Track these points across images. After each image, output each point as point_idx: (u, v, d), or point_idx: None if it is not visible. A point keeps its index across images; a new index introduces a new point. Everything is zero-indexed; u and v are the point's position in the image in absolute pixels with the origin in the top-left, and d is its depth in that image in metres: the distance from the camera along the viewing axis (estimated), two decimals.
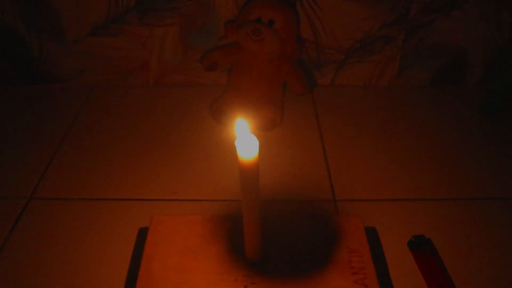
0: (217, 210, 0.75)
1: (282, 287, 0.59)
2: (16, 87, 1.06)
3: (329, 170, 0.83)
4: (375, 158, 0.86)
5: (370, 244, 0.65)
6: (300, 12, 0.93)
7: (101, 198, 0.78)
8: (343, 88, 1.04)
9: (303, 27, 0.95)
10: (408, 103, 1.00)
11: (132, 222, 0.73)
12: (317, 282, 0.59)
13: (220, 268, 0.61)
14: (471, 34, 0.97)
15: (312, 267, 0.61)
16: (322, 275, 0.60)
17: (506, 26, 0.95)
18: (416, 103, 1.00)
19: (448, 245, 0.69)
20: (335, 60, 1.01)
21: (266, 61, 0.89)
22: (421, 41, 0.98)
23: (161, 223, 0.67)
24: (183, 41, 0.98)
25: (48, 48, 1.00)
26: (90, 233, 0.73)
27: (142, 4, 0.93)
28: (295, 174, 0.82)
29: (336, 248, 0.63)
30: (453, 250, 0.69)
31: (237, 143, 0.46)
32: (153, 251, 0.63)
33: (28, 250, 0.70)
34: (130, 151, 0.88)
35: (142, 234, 0.71)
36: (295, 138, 0.91)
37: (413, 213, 0.75)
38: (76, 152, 0.88)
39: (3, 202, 0.78)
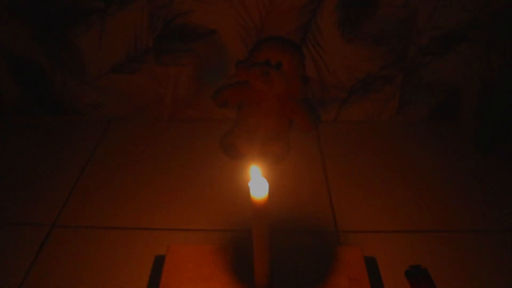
0: (228, 239, 0.81)
1: None
2: (39, 118, 1.13)
3: (332, 202, 0.88)
4: (375, 191, 0.91)
5: (370, 273, 0.70)
6: (306, 54, 1.00)
7: (119, 227, 0.84)
8: (346, 124, 1.10)
9: (308, 67, 1.02)
10: (407, 138, 1.06)
11: (148, 250, 0.79)
12: None
13: None
14: (464, 73, 1.03)
15: None
16: None
17: (495, 65, 1.02)
18: (415, 138, 1.06)
19: (443, 275, 0.74)
20: (338, 98, 1.07)
21: (273, 99, 0.96)
22: (419, 80, 1.04)
23: (177, 252, 0.73)
24: (196, 79, 1.05)
25: (70, 83, 1.07)
26: (109, 259, 0.78)
27: (159, 45, 1.00)
28: (299, 206, 0.88)
29: (337, 276, 0.68)
30: (448, 280, 0.73)
31: (250, 185, 0.52)
32: (170, 278, 0.69)
33: (51, 275, 0.75)
34: (145, 181, 0.94)
35: (158, 262, 0.76)
36: (300, 171, 0.96)
37: (410, 244, 0.79)
38: (95, 182, 0.94)
39: (27, 229, 0.83)
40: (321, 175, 0.95)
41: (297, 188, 0.92)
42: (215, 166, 0.98)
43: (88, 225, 0.85)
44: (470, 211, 0.86)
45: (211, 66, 1.03)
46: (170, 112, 1.12)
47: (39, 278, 0.75)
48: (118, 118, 1.12)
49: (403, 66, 1.02)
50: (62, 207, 0.88)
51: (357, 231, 0.82)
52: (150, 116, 1.12)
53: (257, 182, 0.52)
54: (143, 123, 1.12)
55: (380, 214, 0.86)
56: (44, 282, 0.74)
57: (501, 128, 1.00)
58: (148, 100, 1.10)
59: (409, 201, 0.89)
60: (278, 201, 0.87)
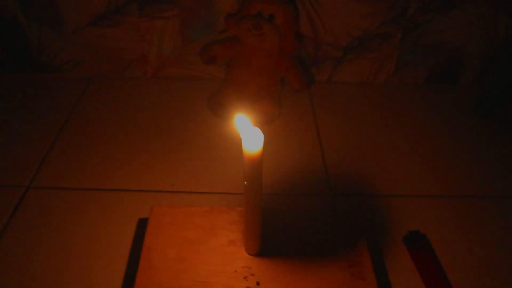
0: (214, 202, 0.76)
1: (281, 279, 0.60)
2: (14, 76, 1.05)
3: (325, 164, 0.84)
4: (370, 153, 0.87)
5: (367, 239, 0.66)
6: (300, 8, 0.94)
7: (99, 189, 0.79)
8: (340, 85, 1.05)
9: (302, 23, 0.96)
10: (404, 101, 1.01)
11: (131, 212, 0.74)
12: (314, 274, 0.60)
13: (219, 260, 0.62)
14: (467, 33, 0.98)
15: (310, 260, 0.62)
16: (320, 267, 0.61)
17: (502, 26, 0.97)
18: (412, 101, 1.01)
19: (442, 240, 0.70)
20: (333, 56, 1.01)
21: (265, 56, 0.90)
22: (418, 40, 0.99)
23: (161, 214, 0.68)
24: (183, 34, 0.98)
25: (47, 38, 1.00)
26: (89, 222, 0.73)
27: None
28: (292, 169, 0.83)
29: (333, 241, 0.65)
30: (447, 245, 0.70)
31: (242, 137, 0.46)
32: (153, 242, 0.64)
33: (27, 238, 0.70)
34: (128, 141, 0.88)
35: (141, 225, 0.71)
36: (292, 132, 0.91)
37: (409, 209, 0.76)
38: (74, 142, 0.88)
39: (1, 190, 0.78)
40: (314, 136, 0.90)
41: (289, 149, 0.87)
42: (202, 126, 0.92)
43: (67, 186, 0.79)
44: (469, 176, 0.83)
45: (198, 19, 0.96)
46: (155, 70, 1.05)
47: (13, 242, 0.70)
48: (99, 76, 1.06)
49: (403, 23, 0.96)
50: (38, 167, 0.83)
51: (352, 194, 0.78)
52: (133, 73, 1.05)
53: (250, 133, 0.47)
54: (125, 80, 1.05)
55: (376, 178, 0.82)
56: (18, 245, 0.69)
57: (502, 93, 0.96)
58: (131, 56, 1.03)
59: (406, 165, 0.85)
60: (268, 163, 0.82)
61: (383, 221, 0.73)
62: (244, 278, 0.60)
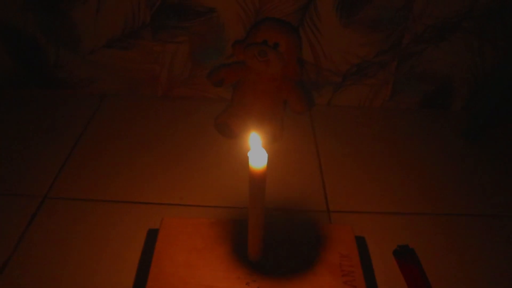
0: (219, 215, 0.82)
1: (280, 285, 0.65)
2: (33, 92, 1.12)
3: (324, 183, 0.90)
4: (366, 173, 0.93)
5: (359, 251, 0.71)
6: (303, 37, 1.01)
7: (112, 200, 0.84)
8: (339, 108, 1.12)
9: (304, 50, 1.03)
10: (398, 125, 1.08)
11: (141, 223, 0.79)
12: (310, 281, 0.66)
13: (224, 266, 0.67)
14: (457, 63, 1.05)
15: (307, 268, 0.68)
16: (316, 275, 0.66)
17: (488, 57, 1.04)
18: (405, 125, 1.08)
19: (429, 255, 0.76)
20: (332, 82, 1.08)
21: (269, 80, 0.96)
22: (412, 68, 1.06)
23: (171, 224, 0.73)
24: (193, 58, 1.05)
25: (64, 57, 1.06)
26: (101, 232, 0.78)
27: (156, 22, 1.00)
28: (292, 186, 0.89)
29: (328, 252, 0.70)
30: (434, 259, 0.75)
31: (249, 154, 0.53)
32: (163, 249, 0.70)
33: (42, 245, 0.75)
34: (139, 156, 0.94)
35: (151, 235, 0.76)
36: (293, 152, 0.97)
37: (399, 225, 0.82)
38: (88, 155, 0.94)
39: (19, 200, 0.83)
40: (314, 157, 0.96)
41: (290, 168, 0.93)
42: (209, 144, 0.98)
43: (81, 197, 0.85)
44: (456, 195, 0.89)
45: (208, 45, 1.03)
46: (165, 90, 1.12)
47: (29, 249, 0.75)
48: (111, 94, 1.12)
49: (398, 53, 1.03)
50: (54, 179, 0.88)
51: (348, 211, 0.84)
52: (145, 93, 1.12)
53: (256, 152, 0.53)
54: (137, 99, 1.11)
55: (370, 196, 0.88)
56: (34, 253, 0.74)
57: (489, 119, 1.03)
58: (142, 77, 1.09)
59: (398, 185, 0.91)
60: (271, 180, 0.87)
61: (376, 235, 0.79)
62: (246, 284, 0.65)
